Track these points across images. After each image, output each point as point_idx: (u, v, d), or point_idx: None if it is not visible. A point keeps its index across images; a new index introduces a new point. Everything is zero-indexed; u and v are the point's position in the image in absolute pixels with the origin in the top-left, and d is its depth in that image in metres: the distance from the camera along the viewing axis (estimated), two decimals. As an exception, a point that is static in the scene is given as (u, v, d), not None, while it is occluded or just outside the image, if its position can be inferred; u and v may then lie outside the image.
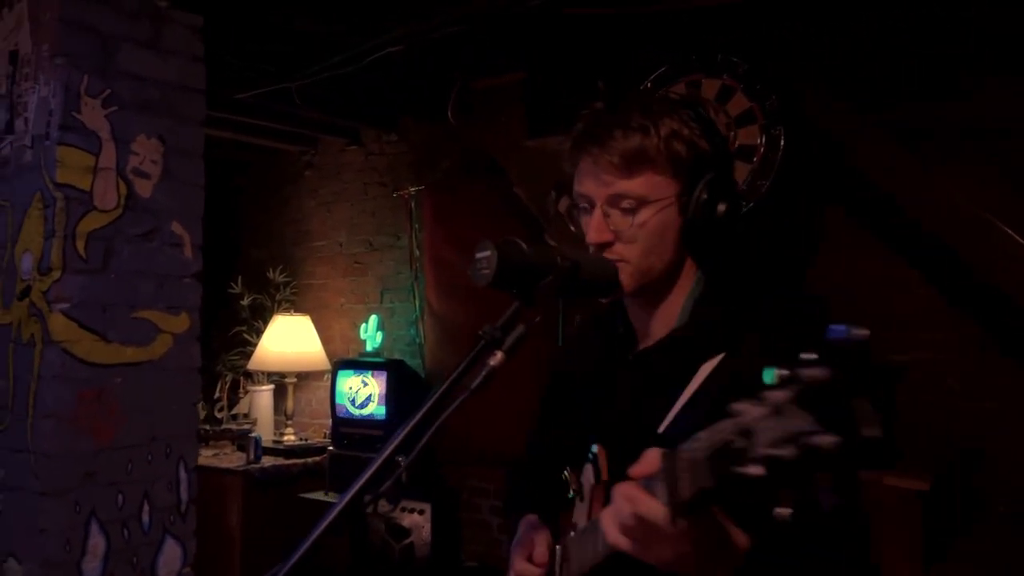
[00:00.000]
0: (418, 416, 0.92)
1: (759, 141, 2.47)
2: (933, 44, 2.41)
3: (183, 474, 2.56)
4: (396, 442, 0.92)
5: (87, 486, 2.34)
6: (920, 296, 2.59)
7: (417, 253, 4.06)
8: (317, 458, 3.94)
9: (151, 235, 2.51)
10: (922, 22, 2.41)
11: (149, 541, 2.48)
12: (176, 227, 2.55)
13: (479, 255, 0.95)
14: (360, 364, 3.89)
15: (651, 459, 0.82)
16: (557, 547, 1.12)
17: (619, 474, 1.00)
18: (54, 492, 2.28)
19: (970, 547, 2.45)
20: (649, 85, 2.61)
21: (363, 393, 3.82)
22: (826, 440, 0.59)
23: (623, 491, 0.81)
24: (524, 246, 0.96)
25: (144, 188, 2.49)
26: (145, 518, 2.46)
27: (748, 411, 0.65)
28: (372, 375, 3.80)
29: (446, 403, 0.92)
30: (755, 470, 0.63)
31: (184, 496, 2.57)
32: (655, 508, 0.77)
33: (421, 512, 3.50)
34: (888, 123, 2.43)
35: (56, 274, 2.31)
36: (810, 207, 2.70)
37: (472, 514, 3.76)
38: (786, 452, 0.61)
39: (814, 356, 0.61)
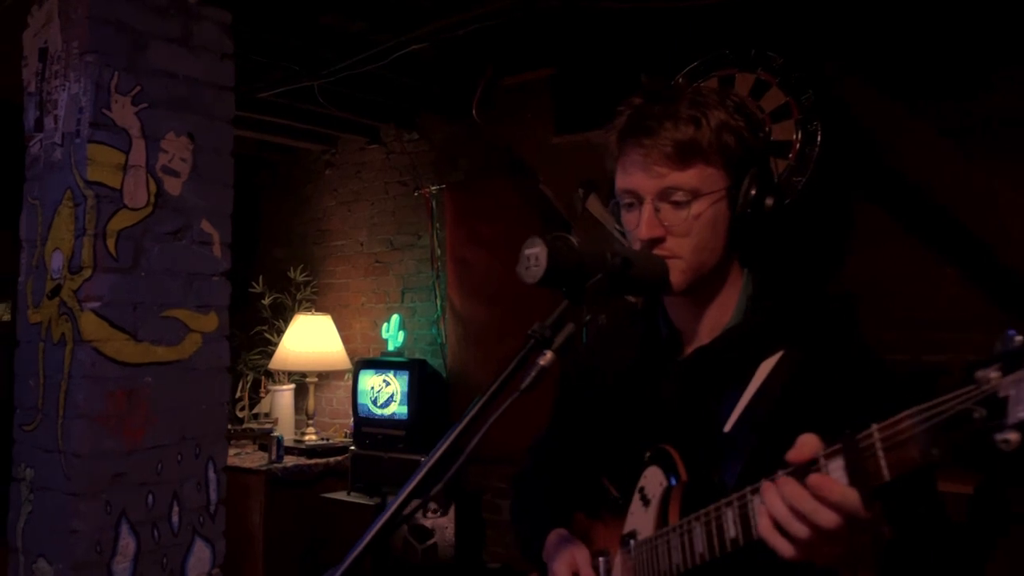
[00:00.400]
0: (467, 418, 0.90)
1: (795, 136, 2.43)
2: (969, 37, 2.36)
3: (212, 474, 2.55)
4: (445, 445, 0.89)
5: (117, 486, 2.33)
6: (956, 295, 2.54)
7: (438, 252, 4.04)
8: (339, 457, 3.94)
9: (180, 233, 2.49)
10: (961, 14, 2.36)
11: (179, 542, 2.46)
12: (205, 225, 2.54)
13: (528, 251, 0.92)
14: (382, 364, 3.88)
15: (809, 444, 0.77)
16: (601, 559, 1.08)
17: (698, 475, 0.97)
18: (84, 493, 2.27)
19: (1010, 549, 2.39)
20: (680, 80, 2.57)
21: (385, 393, 3.81)
22: None
23: (813, 481, 0.74)
24: (574, 242, 0.94)
25: (173, 186, 2.47)
26: (175, 519, 2.45)
27: (995, 378, 0.61)
28: (394, 375, 3.79)
29: (493, 405, 0.90)
30: (1012, 436, 0.60)
31: (213, 496, 2.55)
32: (847, 492, 0.72)
33: (444, 513, 3.48)
34: (927, 117, 2.38)
35: (87, 273, 2.30)
36: (846, 203, 2.66)
37: (495, 515, 3.73)
38: None
39: None
